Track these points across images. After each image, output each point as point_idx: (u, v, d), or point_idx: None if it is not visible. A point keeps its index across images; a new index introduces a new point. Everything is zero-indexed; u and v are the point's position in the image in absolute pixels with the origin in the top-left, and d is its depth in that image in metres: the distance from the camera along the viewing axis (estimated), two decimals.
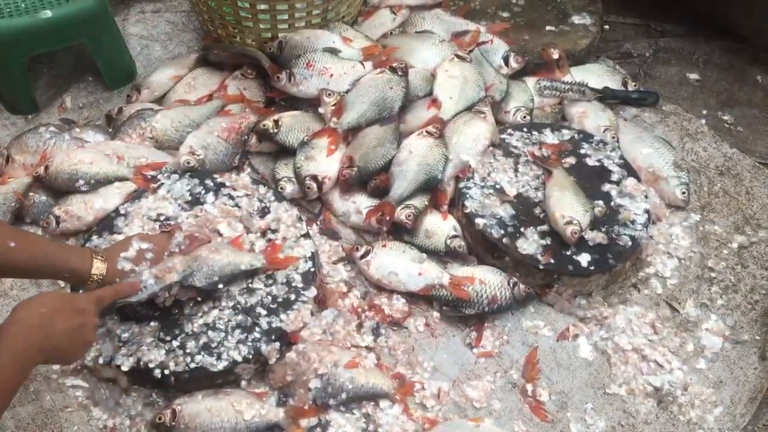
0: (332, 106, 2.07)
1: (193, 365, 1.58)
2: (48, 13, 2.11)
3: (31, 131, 2.07)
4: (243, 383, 1.64)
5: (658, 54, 2.66)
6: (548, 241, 1.85)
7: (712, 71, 2.59)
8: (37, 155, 2.00)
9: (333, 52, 2.19)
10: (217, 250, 1.67)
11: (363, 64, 2.16)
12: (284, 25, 2.25)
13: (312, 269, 1.76)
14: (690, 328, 1.85)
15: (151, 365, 1.57)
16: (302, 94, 2.14)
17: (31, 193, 1.95)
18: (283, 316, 1.67)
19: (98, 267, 1.49)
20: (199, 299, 1.67)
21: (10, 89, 2.25)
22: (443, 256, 1.91)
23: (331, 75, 2.12)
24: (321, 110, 2.09)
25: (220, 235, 1.77)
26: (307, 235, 1.83)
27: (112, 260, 1.53)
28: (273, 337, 1.64)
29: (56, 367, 1.66)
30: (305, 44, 2.20)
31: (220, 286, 1.65)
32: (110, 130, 2.16)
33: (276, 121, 2.06)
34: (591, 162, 2.05)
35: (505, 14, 2.55)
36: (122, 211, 1.85)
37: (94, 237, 1.80)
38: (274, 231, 1.83)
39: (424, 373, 1.73)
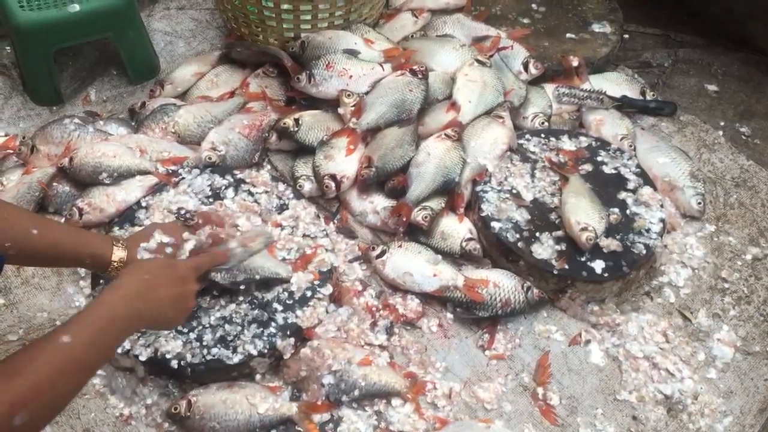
0: (352, 106, 2.09)
1: (209, 357, 1.61)
2: (76, 7, 2.15)
3: (55, 122, 2.10)
4: (257, 377, 1.66)
5: (676, 64, 2.66)
6: (563, 246, 1.86)
7: (730, 83, 2.60)
8: (62, 146, 2.04)
9: (353, 53, 2.21)
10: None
11: (382, 66, 2.18)
12: (307, 25, 2.28)
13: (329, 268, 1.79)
14: (702, 337, 1.85)
15: (168, 356, 1.60)
16: (322, 94, 2.17)
17: (54, 184, 1.98)
18: (298, 312, 1.70)
19: (118, 254, 1.51)
20: (215, 293, 1.70)
21: (36, 81, 2.29)
22: (458, 258, 1.92)
23: (351, 76, 2.14)
24: (340, 110, 2.11)
25: (238, 229, 1.80)
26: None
27: (132, 249, 1.55)
28: (288, 333, 1.66)
29: None
30: (327, 45, 2.23)
31: (242, 287, 1.68)
32: (133, 123, 2.19)
33: (296, 120, 2.09)
34: (607, 170, 2.06)
35: (526, 20, 2.56)
36: (143, 204, 1.88)
37: (116, 228, 1.83)
38: (293, 228, 1.86)
39: (436, 373, 1.74)
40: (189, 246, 1.63)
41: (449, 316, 1.85)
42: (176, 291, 1.35)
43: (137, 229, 1.80)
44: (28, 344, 1.10)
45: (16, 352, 1.08)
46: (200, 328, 1.65)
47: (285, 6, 2.21)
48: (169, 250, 1.60)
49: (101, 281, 1.71)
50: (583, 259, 1.84)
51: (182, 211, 1.80)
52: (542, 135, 2.15)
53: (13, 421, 0.98)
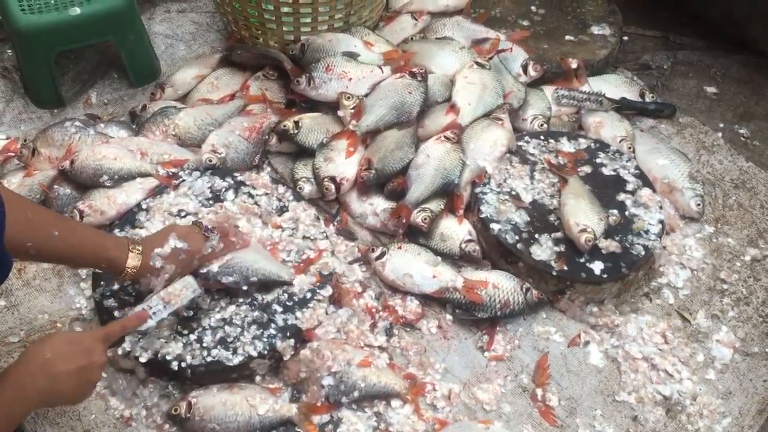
0: (351, 108, 2.10)
1: (209, 359, 1.61)
2: (77, 10, 2.16)
3: (56, 125, 2.11)
4: (257, 378, 1.67)
5: (676, 66, 2.67)
6: (562, 248, 1.87)
7: (729, 85, 2.60)
8: (63, 149, 2.04)
9: (352, 56, 2.22)
10: (252, 252, 1.71)
11: (381, 69, 2.19)
12: (307, 28, 2.28)
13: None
14: (701, 338, 1.86)
15: (168, 357, 1.60)
16: (321, 97, 2.17)
17: (55, 186, 1.99)
18: (298, 314, 1.70)
19: (133, 262, 1.51)
20: (216, 296, 1.71)
21: (37, 83, 2.30)
22: (458, 259, 1.93)
23: (350, 79, 2.15)
24: (340, 113, 2.12)
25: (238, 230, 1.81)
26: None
27: (147, 254, 1.54)
28: (288, 334, 1.67)
29: None
30: (327, 47, 2.24)
31: (245, 287, 1.68)
32: (134, 126, 2.20)
33: (296, 122, 2.09)
34: (606, 171, 2.06)
35: (525, 23, 2.57)
36: (144, 206, 1.89)
37: (116, 231, 1.84)
38: (293, 230, 1.87)
39: (436, 375, 1.75)
40: (207, 249, 1.63)
41: (449, 317, 1.85)
42: (80, 365, 1.32)
43: (137, 231, 1.81)
44: None
45: None
46: (200, 329, 1.66)
47: (285, 9, 2.22)
48: (182, 256, 1.57)
49: (101, 283, 1.71)
50: (582, 260, 1.84)
51: (202, 222, 1.72)
52: (541, 137, 2.16)
53: None
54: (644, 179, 2.05)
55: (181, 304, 1.57)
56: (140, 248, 1.54)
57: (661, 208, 1.98)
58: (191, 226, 1.68)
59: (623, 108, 2.34)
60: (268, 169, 2.14)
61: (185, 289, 1.57)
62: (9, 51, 2.46)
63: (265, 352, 1.64)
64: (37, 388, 1.26)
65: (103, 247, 1.50)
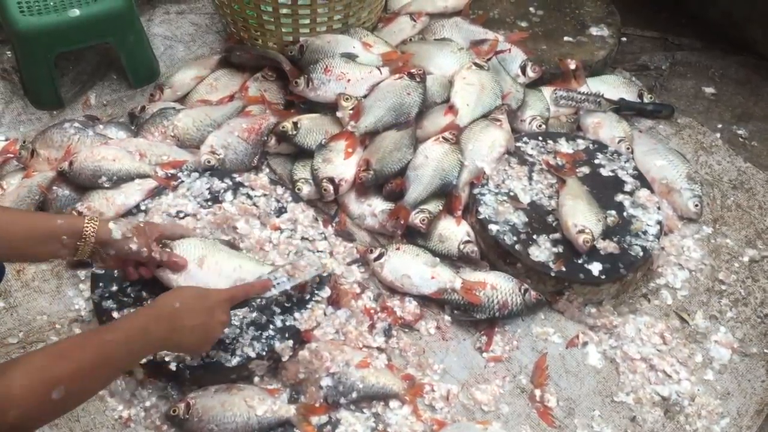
0: (350, 110, 2.10)
1: (207, 360, 1.61)
2: (76, 12, 2.16)
3: (55, 126, 2.11)
4: (256, 379, 1.67)
5: (674, 67, 2.67)
6: (560, 249, 1.87)
7: (727, 85, 2.61)
8: (62, 150, 2.05)
9: (351, 57, 2.22)
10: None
11: (380, 70, 2.19)
12: (306, 29, 2.29)
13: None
14: (699, 339, 1.86)
15: (167, 359, 1.60)
16: (320, 98, 2.17)
17: (54, 187, 1.99)
18: (297, 315, 1.70)
19: (90, 225, 1.47)
20: None
21: (36, 85, 2.30)
22: (456, 260, 1.93)
23: (349, 80, 2.15)
24: (339, 114, 2.12)
25: (236, 230, 1.82)
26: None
27: (103, 222, 1.52)
28: (286, 335, 1.67)
29: None
30: (326, 48, 2.24)
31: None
32: (133, 127, 2.20)
33: (295, 123, 2.10)
34: (605, 172, 2.07)
35: (524, 24, 2.57)
36: (143, 207, 1.89)
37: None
38: (292, 231, 1.87)
39: (434, 375, 1.75)
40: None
41: (447, 318, 1.86)
42: (202, 321, 1.42)
43: None
44: (78, 334, 1.26)
45: (67, 338, 1.20)
46: None
47: (284, 10, 2.22)
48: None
49: (101, 284, 1.71)
50: (580, 261, 1.85)
51: (181, 215, 1.77)
52: (540, 138, 2.16)
53: (51, 394, 1.11)
54: (642, 180, 2.05)
55: (304, 279, 1.65)
56: (95, 219, 1.51)
57: (659, 208, 1.98)
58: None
59: (622, 109, 2.34)
60: (267, 170, 2.14)
61: (310, 266, 1.66)
62: (8, 52, 2.46)
63: (264, 353, 1.64)
64: (161, 335, 1.34)
65: (54, 218, 1.49)
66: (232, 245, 1.78)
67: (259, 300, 1.64)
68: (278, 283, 1.62)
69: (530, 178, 2.04)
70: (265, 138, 2.13)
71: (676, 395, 1.74)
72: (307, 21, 2.26)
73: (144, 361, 1.59)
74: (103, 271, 1.72)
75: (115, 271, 1.68)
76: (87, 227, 1.47)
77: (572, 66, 2.39)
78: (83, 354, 1.19)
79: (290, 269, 1.64)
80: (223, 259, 1.68)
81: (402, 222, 1.93)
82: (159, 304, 1.38)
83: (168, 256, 1.62)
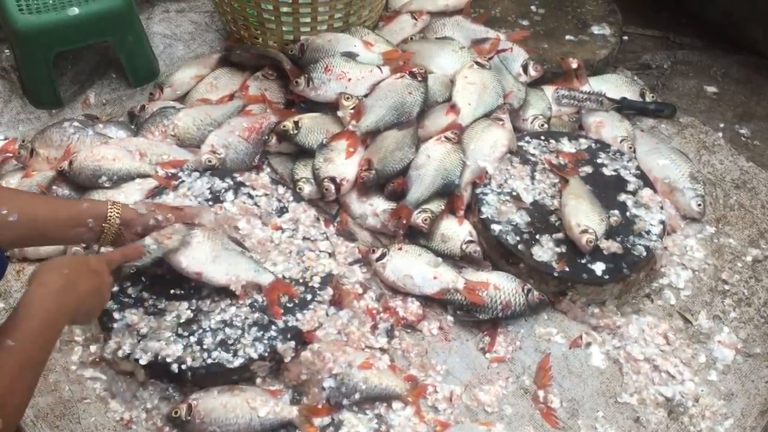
0: (351, 109, 2.09)
1: (209, 361, 1.60)
2: (75, 11, 2.15)
3: (55, 126, 2.10)
4: (258, 380, 1.66)
5: (676, 66, 2.67)
6: (563, 249, 1.86)
7: (729, 84, 2.60)
8: (61, 149, 2.03)
9: (351, 56, 2.21)
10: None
11: (381, 69, 2.18)
12: (306, 28, 2.28)
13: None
14: (702, 339, 1.85)
15: (168, 360, 1.59)
16: (320, 98, 2.16)
17: (54, 187, 1.97)
18: (299, 316, 1.70)
19: (114, 209, 1.54)
20: (216, 298, 1.70)
21: (35, 84, 2.29)
22: (458, 260, 1.92)
23: (349, 79, 2.14)
24: (340, 113, 2.11)
25: (237, 230, 1.81)
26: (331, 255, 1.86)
27: (126, 207, 1.58)
28: (289, 336, 1.66)
29: (75, 357, 1.69)
30: (326, 47, 2.23)
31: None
32: (133, 126, 2.19)
33: (296, 123, 2.08)
34: (607, 172, 2.06)
35: (525, 23, 2.56)
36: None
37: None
38: (293, 231, 1.86)
39: (437, 376, 1.74)
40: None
41: (450, 318, 1.85)
42: (94, 283, 1.38)
43: None
44: None
45: None
46: (201, 331, 1.65)
47: (284, 9, 2.21)
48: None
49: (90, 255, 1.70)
50: (583, 261, 1.84)
51: None
52: (542, 137, 2.16)
53: None
54: (645, 179, 2.05)
55: (173, 246, 1.62)
56: (119, 206, 1.57)
57: (662, 208, 1.97)
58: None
59: (623, 108, 2.34)
60: (268, 169, 2.12)
61: (176, 234, 1.63)
62: (7, 51, 2.44)
63: (266, 354, 1.63)
64: (62, 306, 1.28)
65: (80, 202, 1.54)
66: (239, 242, 1.77)
67: (131, 269, 1.60)
68: (149, 251, 1.59)
69: (532, 178, 2.03)
70: (266, 137, 2.12)
71: (679, 396, 1.73)
72: (308, 20, 2.25)
73: (145, 362, 1.59)
74: None
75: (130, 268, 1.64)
76: (111, 210, 1.53)
77: (574, 65, 2.38)
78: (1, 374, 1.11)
79: (158, 236, 1.61)
80: (228, 257, 1.69)
81: (404, 222, 1.92)
82: (45, 281, 1.28)
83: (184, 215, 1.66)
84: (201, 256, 1.66)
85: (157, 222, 1.61)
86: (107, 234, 1.54)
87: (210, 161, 1.99)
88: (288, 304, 1.71)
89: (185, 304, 1.69)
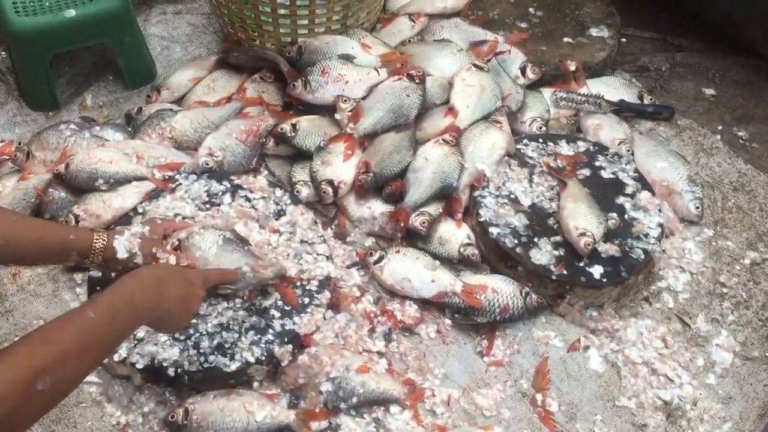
0: (348, 111, 2.08)
1: (206, 365, 1.60)
2: (72, 12, 2.14)
3: (51, 128, 2.09)
4: (255, 384, 1.65)
5: (674, 68, 2.66)
6: (561, 252, 1.86)
7: (728, 87, 2.60)
8: (58, 152, 2.03)
9: (348, 58, 2.21)
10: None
11: (378, 71, 2.18)
12: (304, 30, 2.27)
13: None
14: (701, 343, 1.85)
15: (165, 364, 1.59)
16: (318, 101, 2.16)
17: (50, 190, 1.97)
18: (296, 319, 1.69)
19: (100, 238, 1.53)
20: (213, 301, 1.70)
21: (32, 86, 2.28)
22: (456, 263, 1.92)
23: (347, 82, 2.14)
24: (337, 116, 2.10)
25: (235, 232, 1.80)
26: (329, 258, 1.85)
27: (112, 236, 1.57)
28: (286, 340, 1.65)
29: None
30: (324, 49, 2.22)
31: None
32: (129, 129, 2.18)
33: (293, 125, 2.08)
34: (605, 174, 2.06)
35: (523, 25, 2.56)
36: (140, 210, 1.87)
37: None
38: (291, 234, 1.85)
39: (435, 380, 1.74)
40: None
41: (447, 322, 1.84)
42: (185, 292, 1.40)
43: None
44: (55, 318, 1.13)
45: (47, 323, 1.11)
46: (197, 335, 1.64)
47: (282, 11, 2.20)
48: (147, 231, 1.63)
49: (97, 288, 1.70)
50: (581, 264, 1.83)
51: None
52: (540, 139, 2.15)
53: (36, 386, 1.02)
54: (643, 182, 2.04)
55: (267, 278, 1.66)
56: (104, 233, 1.56)
57: (660, 211, 1.97)
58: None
59: (622, 110, 2.33)
60: (266, 172, 2.12)
61: (272, 267, 1.68)
62: (3, 53, 2.44)
63: (263, 357, 1.63)
64: (148, 304, 1.28)
65: (67, 231, 1.52)
66: (243, 239, 1.77)
67: (226, 290, 1.63)
68: (243, 278, 1.62)
69: (531, 181, 2.03)
70: (264, 140, 2.12)
71: (678, 399, 1.73)
72: (306, 22, 2.25)
73: (141, 366, 1.58)
74: (100, 275, 1.71)
75: (113, 275, 1.65)
76: (96, 243, 1.52)
77: (572, 67, 2.37)
78: (65, 336, 1.09)
79: (255, 266, 1.65)
80: (230, 259, 1.69)
81: (402, 224, 1.91)
82: (141, 274, 1.31)
83: (177, 258, 1.62)
84: (205, 265, 1.66)
85: (137, 265, 1.56)
86: (90, 263, 1.55)
87: (207, 164, 1.99)
88: (285, 308, 1.71)
89: None
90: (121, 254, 1.54)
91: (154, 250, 1.59)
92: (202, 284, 1.48)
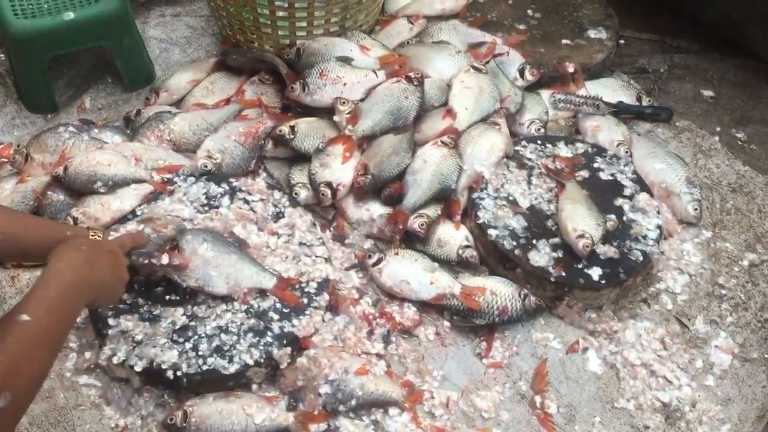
0: (347, 114, 2.08)
1: (205, 367, 1.60)
2: (70, 15, 2.14)
3: (50, 130, 2.09)
4: (254, 387, 1.65)
5: (672, 70, 2.67)
6: (560, 253, 1.86)
7: (726, 88, 2.60)
8: (56, 154, 2.03)
9: (346, 60, 2.21)
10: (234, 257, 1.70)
11: (376, 73, 2.18)
12: (302, 32, 2.27)
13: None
14: (699, 344, 1.85)
15: (163, 366, 1.59)
16: (316, 103, 2.16)
17: (49, 192, 1.97)
18: (295, 321, 1.69)
19: (95, 233, 1.54)
20: (211, 304, 1.70)
21: (30, 88, 2.28)
22: (455, 265, 1.92)
23: (345, 84, 2.14)
24: (336, 118, 2.10)
25: (233, 235, 1.80)
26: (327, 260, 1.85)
27: (107, 235, 1.58)
28: (285, 342, 1.65)
29: (69, 364, 1.68)
30: (323, 51, 2.22)
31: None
32: (128, 131, 2.18)
33: (292, 127, 2.08)
34: (604, 176, 2.06)
35: (522, 26, 2.56)
36: (138, 213, 1.87)
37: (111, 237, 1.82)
38: (290, 236, 1.86)
39: (434, 382, 1.73)
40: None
41: (446, 324, 1.84)
42: (112, 260, 1.40)
43: None
44: None
45: None
46: (196, 337, 1.64)
47: (280, 13, 2.20)
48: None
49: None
50: (580, 266, 1.83)
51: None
52: (539, 141, 2.15)
53: None
54: (642, 184, 2.05)
55: (170, 236, 1.65)
56: (100, 231, 1.56)
57: (658, 212, 1.97)
58: None
59: (620, 112, 2.33)
60: (264, 174, 2.12)
61: (171, 222, 1.68)
62: (2, 56, 2.44)
63: (262, 360, 1.62)
64: (83, 281, 1.26)
65: (64, 232, 1.51)
66: (242, 242, 1.77)
67: (140, 258, 1.61)
68: (151, 240, 1.62)
69: (529, 182, 2.03)
70: (262, 142, 2.11)
71: (677, 401, 1.73)
72: (304, 24, 2.25)
73: (140, 369, 1.58)
74: None
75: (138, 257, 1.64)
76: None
77: (570, 69, 2.38)
78: (7, 346, 1.06)
79: (154, 226, 1.65)
80: (227, 262, 1.69)
81: (400, 227, 1.92)
82: (65, 256, 1.28)
83: (170, 257, 1.63)
84: (201, 267, 1.66)
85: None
86: None
87: (206, 166, 1.99)
88: (284, 310, 1.71)
89: (180, 310, 1.68)
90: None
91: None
92: (120, 250, 1.48)
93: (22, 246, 1.45)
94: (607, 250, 1.85)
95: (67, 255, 1.29)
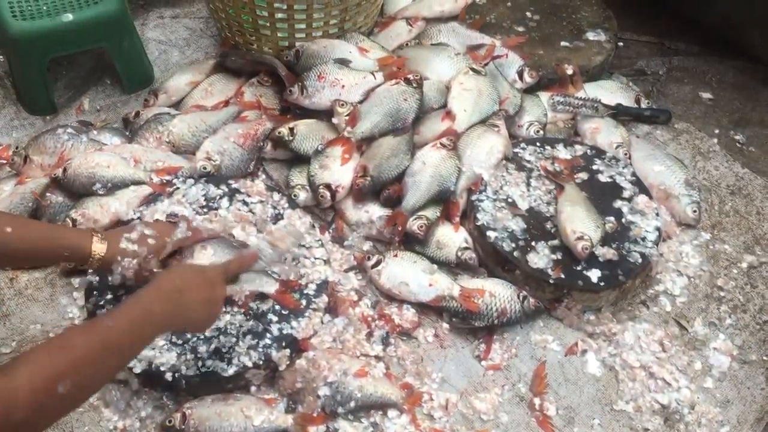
0: (346, 116, 2.08)
1: (204, 369, 1.60)
2: (69, 17, 2.14)
3: (49, 132, 2.09)
4: (253, 389, 1.65)
5: (671, 72, 2.67)
6: (559, 255, 1.86)
7: (725, 91, 2.60)
8: (55, 156, 2.02)
9: (344, 62, 2.21)
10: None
11: (375, 75, 2.18)
12: (301, 34, 2.27)
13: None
14: (698, 346, 1.85)
15: (162, 368, 1.59)
16: (315, 106, 2.16)
17: (48, 194, 1.97)
18: (294, 323, 1.69)
19: (97, 246, 1.55)
20: None
21: (29, 90, 2.28)
22: (454, 267, 1.92)
23: (343, 86, 2.14)
24: (335, 120, 2.11)
25: (233, 237, 1.80)
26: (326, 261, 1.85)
27: (113, 241, 1.58)
28: (283, 344, 1.65)
29: None
30: (322, 53, 2.23)
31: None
32: (127, 133, 2.18)
33: (291, 129, 2.08)
34: (603, 178, 2.06)
35: (521, 29, 2.56)
36: (137, 214, 1.87)
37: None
38: None
39: (433, 384, 1.73)
40: (178, 234, 1.67)
41: (445, 326, 1.84)
42: (205, 296, 1.41)
43: None
44: (73, 326, 1.21)
45: (69, 329, 1.17)
46: (194, 339, 1.64)
47: (279, 15, 2.20)
48: (151, 241, 1.63)
49: (94, 293, 1.70)
50: (579, 268, 1.84)
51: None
52: (537, 143, 2.15)
53: (57, 389, 1.07)
54: (640, 186, 2.05)
55: (285, 249, 1.64)
56: (103, 236, 1.57)
57: (657, 214, 1.97)
58: (159, 221, 1.78)
59: (619, 114, 2.34)
60: (263, 176, 2.12)
61: (290, 235, 1.65)
62: (1, 57, 2.44)
63: (261, 362, 1.62)
64: (165, 314, 1.31)
65: (61, 236, 1.53)
66: (242, 243, 1.76)
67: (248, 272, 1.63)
68: (264, 255, 1.61)
69: (528, 185, 2.03)
70: (261, 144, 2.11)
71: (675, 403, 1.73)
72: (303, 26, 2.25)
73: (139, 370, 1.58)
74: (98, 279, 1.71)
75: (110, 278, 1.64)
76: (95, 253, 1.54)
77: (569, 71, 2.38)
78: (86, 343, 1.14)
79: (270, 239, 1.64)
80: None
81: (399, 228, 1.92)
82: (159, 284, 1.34)
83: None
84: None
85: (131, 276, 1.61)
86: (89, 266, 1.59)
87: (205, 168, 1.99)
88: (283, 312, 1.71)
89: None
90: (115, 280, 1.59)
91: (149, 257, 1.61)
92: (222, 280, 1.49)
93: (26, 244, 1.46)
94: (606, 252, 1.85)
95: (163, 282, 1.34)
